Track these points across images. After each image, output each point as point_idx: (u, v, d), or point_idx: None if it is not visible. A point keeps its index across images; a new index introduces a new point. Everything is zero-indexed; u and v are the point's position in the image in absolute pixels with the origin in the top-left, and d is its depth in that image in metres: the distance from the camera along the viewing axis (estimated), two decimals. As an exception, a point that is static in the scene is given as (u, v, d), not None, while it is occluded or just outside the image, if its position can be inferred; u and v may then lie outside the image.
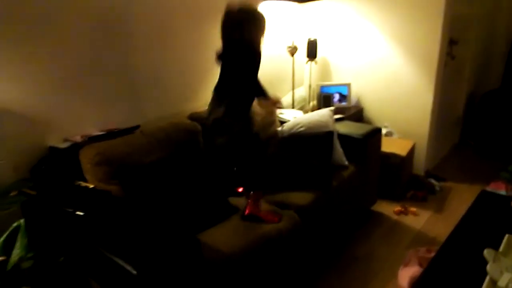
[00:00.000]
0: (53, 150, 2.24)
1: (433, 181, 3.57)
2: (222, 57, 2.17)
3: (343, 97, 3.75)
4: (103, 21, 2.35)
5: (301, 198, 2.33)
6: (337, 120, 3.05)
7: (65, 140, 2.30)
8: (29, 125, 2.16)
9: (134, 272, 1.48)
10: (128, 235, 1.68)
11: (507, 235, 1.82)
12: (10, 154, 1.99)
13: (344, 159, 2.71)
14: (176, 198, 2.15)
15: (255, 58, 2.20)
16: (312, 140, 2.61)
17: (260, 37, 2.22)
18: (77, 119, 2.37)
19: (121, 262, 1.53)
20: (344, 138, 2.80)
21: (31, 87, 2.14)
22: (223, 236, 1.95)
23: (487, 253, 1.69)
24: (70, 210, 1.84)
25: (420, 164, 3.67)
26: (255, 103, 2.36)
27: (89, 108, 2.41)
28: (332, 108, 2.99)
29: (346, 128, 2.91)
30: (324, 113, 2.89)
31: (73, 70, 2.29)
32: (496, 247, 1.77)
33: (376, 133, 2.94)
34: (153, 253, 1.57)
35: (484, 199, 2.29)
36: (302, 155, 2.56)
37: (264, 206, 2.24)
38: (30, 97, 2.14)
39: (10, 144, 2.02)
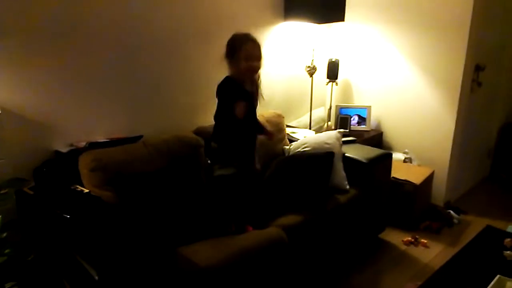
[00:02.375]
0: (57, 153, 2.35)
1: (452, 213, 3.38)
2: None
3: (362, 120, 3.67)
4: (115, 33, 2.46)
5: (290, 218, 2.28)
6: (347, 142, 2.97)
7: (70, 145, 2.40)
8: (36, 129, 2.27)
9: (96, 277, 1.51)
10: (103, 241, 1.72)
11: (498, 276, 1.70)
12: (13, 154, 2.09)
13: (346, 183, 2.64)
14: (167, 209, 2.17)
15: (241, 94, 2.19)
16: (312, 161, 2.56)
17: (238, 64, 2.20)
18: (85, 126, 2.47)
19: (87, 266, 1.57)
20: (350, 161, 2.73)
21: (41, 93, 2.25)
22: (202, 249, 1.95)
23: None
24: (59, 211, 1.92)
25: (440, 194, 3.50)
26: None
27: (97, 116, 2.50)
28: (341, 130, 2.93)
29: (354, 151, 2.83)
30: (332, 135, 2.84)
31: (83, 79, 2.40)
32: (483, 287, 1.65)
33: (385, 158, 2.84)
34: (119, 262, 1.60)
35: (487, 234, 2.15)
36: (300, 175, 2.51)
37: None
38: (39, 102, 2.26)
39: (14, 145, 2.13)
